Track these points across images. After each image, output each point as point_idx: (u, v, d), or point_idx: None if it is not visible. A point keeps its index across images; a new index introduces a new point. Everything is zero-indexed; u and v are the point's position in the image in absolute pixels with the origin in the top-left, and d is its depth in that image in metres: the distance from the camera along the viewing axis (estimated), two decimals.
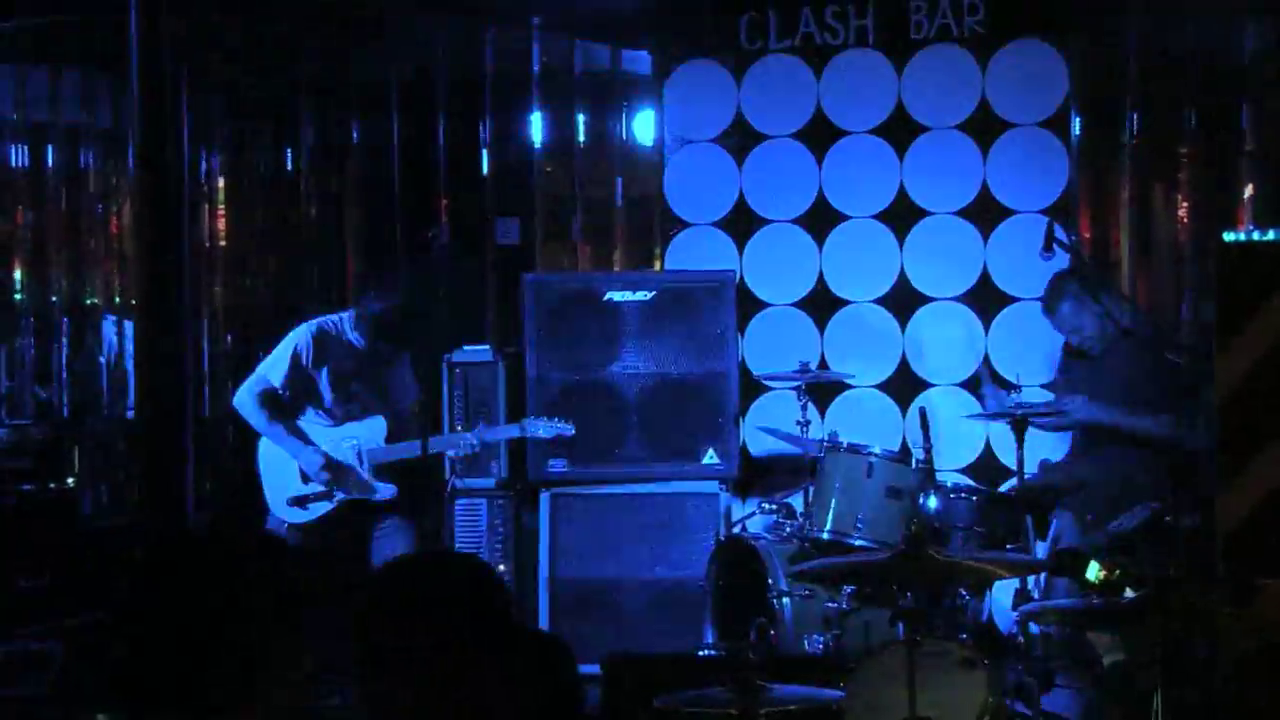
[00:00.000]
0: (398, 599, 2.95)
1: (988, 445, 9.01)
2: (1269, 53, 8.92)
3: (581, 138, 10.37)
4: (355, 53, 10.68)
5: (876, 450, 7.68)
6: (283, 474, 7.84)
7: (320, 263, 10.54)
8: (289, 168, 10.88)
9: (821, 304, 9.36)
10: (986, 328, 9.11)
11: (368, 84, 10.68)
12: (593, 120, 10.42)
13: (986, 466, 8.97)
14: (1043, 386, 8.66)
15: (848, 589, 7.18)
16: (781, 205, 9.44)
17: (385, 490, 7.82)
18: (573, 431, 8.06)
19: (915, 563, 5.09)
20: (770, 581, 7.42)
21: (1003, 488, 8.36)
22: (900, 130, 9.22)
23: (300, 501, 7.80)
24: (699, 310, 8.62)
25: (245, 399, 7.82)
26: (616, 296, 8.64)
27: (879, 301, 9.29)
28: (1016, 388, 7.67)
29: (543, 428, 8.05)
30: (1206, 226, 8.87)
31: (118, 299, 10.69)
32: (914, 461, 7.59)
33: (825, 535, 7.54)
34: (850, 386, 9.20)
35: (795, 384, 8.32)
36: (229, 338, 10.64)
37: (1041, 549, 7.67)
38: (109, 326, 10.79)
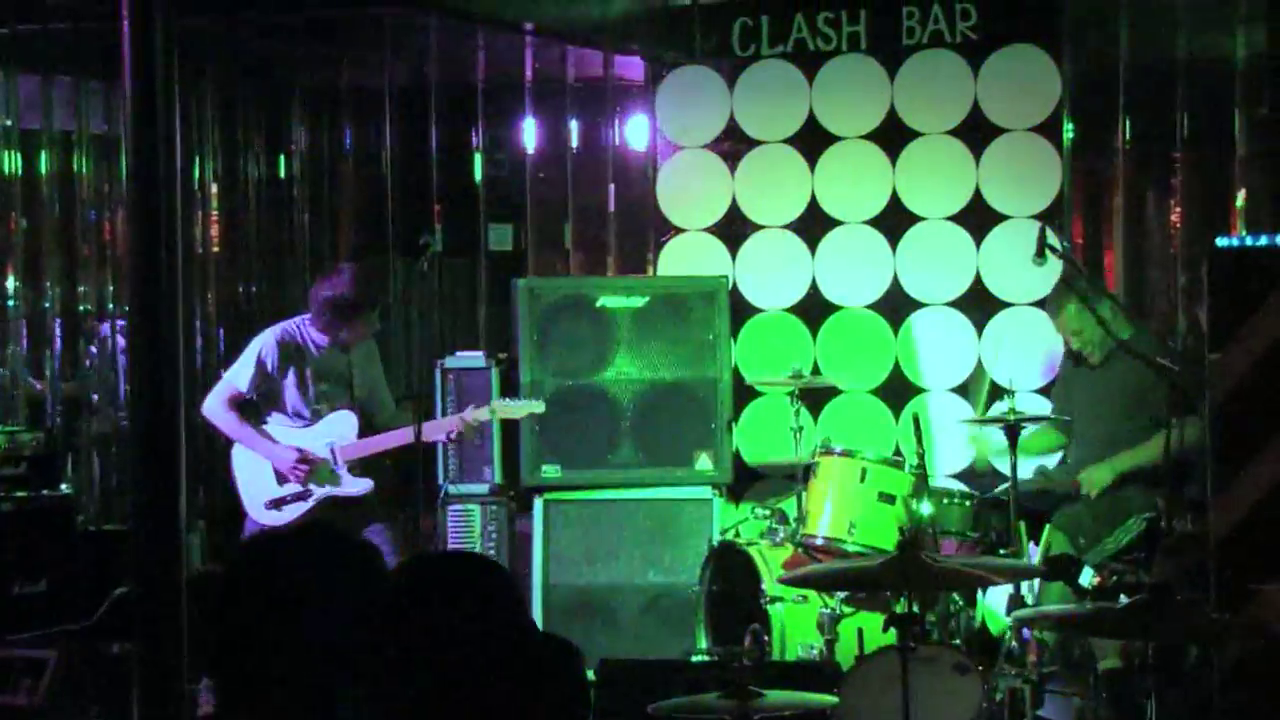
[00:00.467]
0: (415, 597, 2.95)
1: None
2: (1260, 58, 8.94)
3: (574, 144, 10.38)
4: (348, 60, 10.69)
5: (870, 455, 7.68)
6: (258, 478, 7.86)
7: (313, 269, 10.54)
8: (282, 174, 10.89)
9: (814, 310, 9.36)
10: (979, 333, 9.11)
11: (360, 91, 10.70)
12: (585, 126, 10.43)
13: (979, 471, 8.97)
14: (1038, 392, 8.67)
15: (841, 594, 7.18)
16: (774, 211, 9.44)
17: (360, 485, 7.82)
18: (543, 409, 8.05)
19: (908, 568, 5.09)
20: (763, 587, 7.42)
21: (996, 493, 8.36)
22: (893, 135, 9.22)
23: (277, 504, 7.80)
24: (692, 316, 8.62)
25: (214, 405, 7.87)
26: (609, 302, 8.64)
27: (872, 307, 9.29)
28: (1009, 392, 7.66)
29: (514, 407, 8.05)
30: (1199, 232, 8.88)
31: (111, 305, 10.69)
32: (907, 467, 7.59)
33: (818, 540, 7.55)
34: (843, 392, 9.20)
35: (788, 390, 8.32)
36: (222, 344, 10.64)
37: (1034, 554, 7.68)
38: (102, 332, 10.78)
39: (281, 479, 7.80)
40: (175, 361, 5.07)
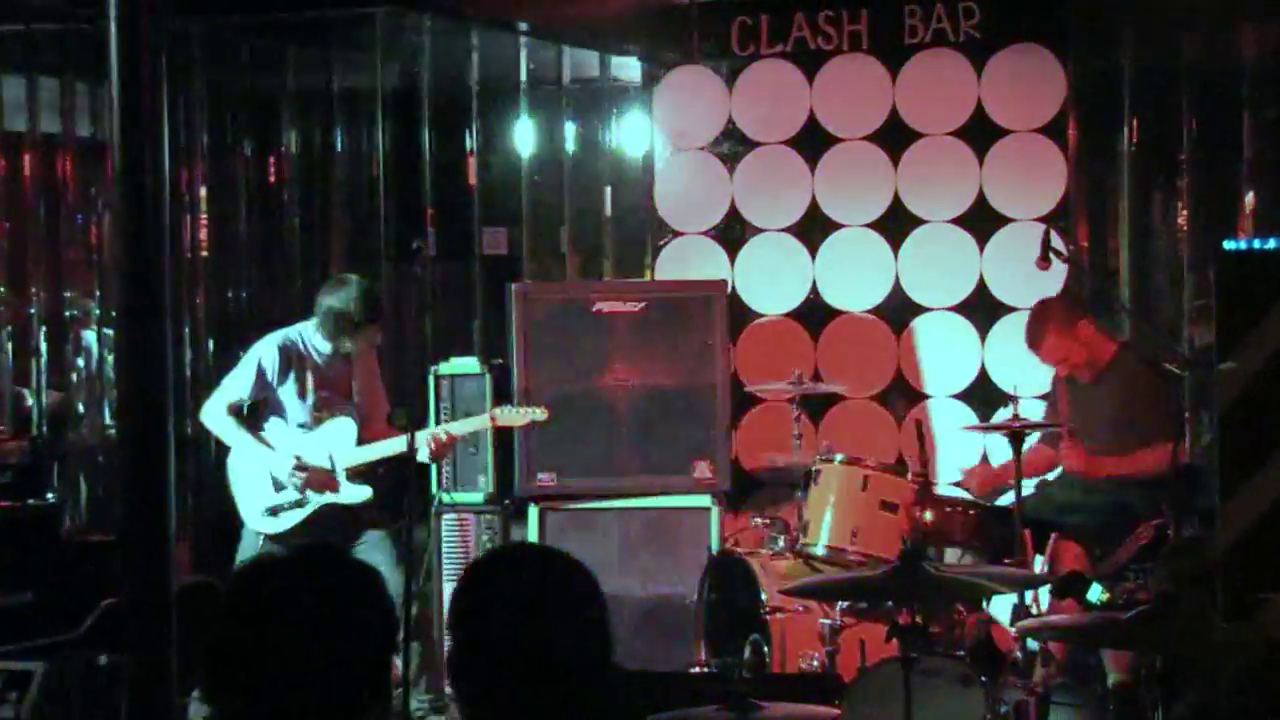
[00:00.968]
0: (493, 594, 2.96)
1: (985, 458, 9.03)
2: (1269, 59, 8.96)
3: (570, 146, 10.40)
4: (339, 60, 10.70)
5: (871, 463, 7.69)
6: (255, 485, 7.87)
7: (304, 274, 10.55)
8: (272, 177, 10.89)
9: (815, 315, 9.38)
10: (983, 338, 9.13)
11: (352, 92, 10.70)
12: (581, 128, 10.45)
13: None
14: (1041, 399, 8.68)
15: (842, 605, 7.19)
16: (774, 214, 9.46)
17: (358, 493, 7.83)
18: (545, 417, 8.05)
19: (911, 578, 5.10)
20: (763, 597, 7.43)
21: (1000, 501, 8.37)
22: (895, 137, 9.24)
23: (274, 511, 7.82)
24: (690, 321, 8.62)
25: (212, 412, 7.90)
26: (606, 307, 8.65)
27: (873, 311, 9.31)
28: (1014, 399, 7.67)
29: (515, 415, 8.07)
30: (1206, 235, 8.90)
31: (97, 311, 10.69)
32: (910, 474, 7.60)
33: (819, 550, 7.56)
34: (844, 398, 9.22)
35: (788, 396, 8.34)
36: (211, 350, 10.64)
37: (1040, 564, 7.69)
38: (89, 339, 10.79)
39: (279, 486, 7.82)
40: (164, 368, 5.08)
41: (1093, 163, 9.31)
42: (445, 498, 8.53)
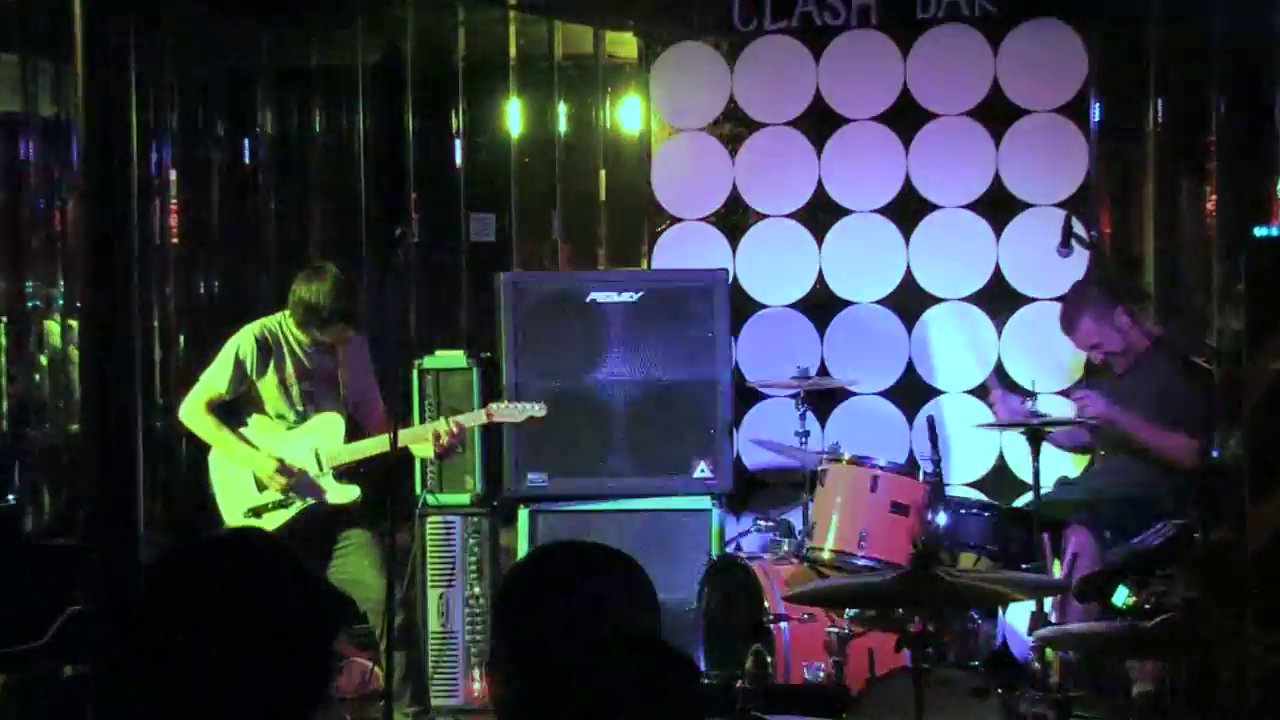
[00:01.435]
0: (543, 591, 2.97)
1: (1001, 457, 9.05)
2: None
3: (562, 127, 10.40)
4: (318, 36, 10.70)
5: (881, 462, 7.70)
6: (236, 485, 7.86)
7: (280, 263, 10.55)
8: (246, 159, 10.89)
9: (821, 305, 9.39)
10: (999, 330, 9.14)
11: (331, 69, 10.70)
12: (574, 108, 10.45)
13: (999, 480, 9.00)
14: (1060, 394, 8.70)
15: (850, 612, 7.20)
16: (778, 199, 9.47)
17: (345, 493, 7.82)
18: (544, 412, 8.03)
19: (923, 584, 5.11)
20: (766, 604, 7.44)
21: (1017, 503, 8.39)
22: (906, 117, 9.25)
23: (257, 512, 7.82)
24: (689, 312, 8.63)
25: (191, 410, 7.86)
26: (600, 297, 8.66)
27: (883, 302, 9.32)
28: (1031, 395, 7.68)
29: (513, 410, 8.05)
30: (1236, 220, 8.91)
31: (61, 301, 10.68)
32: (921, 475, 7.61)
33: (826, 554, 7.56)
34: (852, 394, 9.23)
35: (793, 391, 8.35)
36: (181, 342, 10.64)
37: (1059, 569, 7.70)
38: (52, 331, 10.78)
39: (261, 485, 7.81)
40: (131, 362, 5.09)
41: (1116, 144, 9.30)
42: (430, 499, 8.54)
